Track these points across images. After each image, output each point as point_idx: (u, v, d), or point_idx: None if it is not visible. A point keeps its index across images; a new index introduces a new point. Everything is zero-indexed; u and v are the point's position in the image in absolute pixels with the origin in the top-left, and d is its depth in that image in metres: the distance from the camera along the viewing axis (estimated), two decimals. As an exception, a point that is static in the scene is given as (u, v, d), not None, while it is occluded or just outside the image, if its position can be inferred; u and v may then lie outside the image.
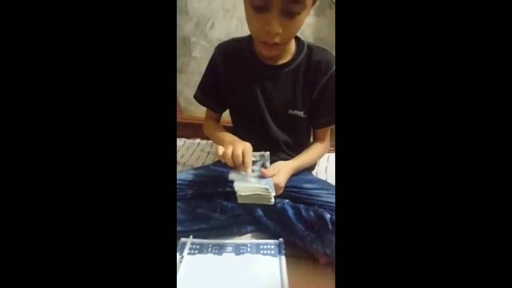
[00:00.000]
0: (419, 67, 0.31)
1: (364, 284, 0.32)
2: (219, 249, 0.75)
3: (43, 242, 0.31)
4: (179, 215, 0.78)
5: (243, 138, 0.75)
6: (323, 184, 0.87)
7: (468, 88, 0.30)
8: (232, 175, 0.68)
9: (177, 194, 0.80)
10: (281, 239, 0.76)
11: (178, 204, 0.79)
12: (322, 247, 0.69)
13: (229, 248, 0.75)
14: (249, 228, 0.81)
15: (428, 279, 0.31)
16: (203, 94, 0.91)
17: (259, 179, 0.69)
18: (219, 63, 0.85)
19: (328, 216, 0.70)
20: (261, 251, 0.74)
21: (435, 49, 0.31)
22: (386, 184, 0.32)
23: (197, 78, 0.87)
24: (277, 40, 0.69)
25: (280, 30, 0.67)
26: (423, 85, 0.31)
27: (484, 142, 0.30)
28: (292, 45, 0.81)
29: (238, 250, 0.75)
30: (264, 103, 0.83)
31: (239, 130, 0.87)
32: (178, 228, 0.76)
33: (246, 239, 0.80)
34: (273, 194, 0.67)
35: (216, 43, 0.87)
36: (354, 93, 0.33)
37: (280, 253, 0.73)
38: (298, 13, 0.66)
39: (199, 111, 1.27)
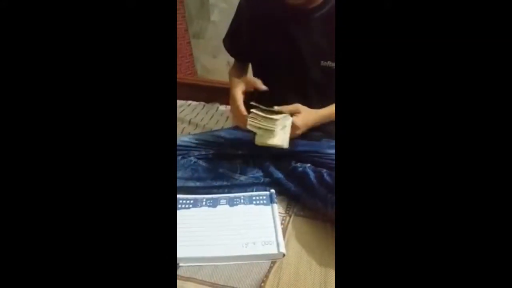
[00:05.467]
0: (419, 67, 0.31)
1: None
2: (213, 202, 0.73)
3: (43, 243, 0.31)
4: (201, 173, 0.78)
5: (265, 94, 0.71)
6: None
7: (469, 91, 0.30)
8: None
9: (199, 153, 0.82)
10: (272, 190, 0.74)
11: (200, 162, 0.81)
12: None
13: (223, 201, 0.73)
14: (268, 189, 0.78)
15: (428, 277, 0.30)
16: (231, 41, 0.88)
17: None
18: (245, 7, 0.81)
19: None
20: (254, 202, 0.72)
21: (436, 50, 0.31)
22: (386, 183, 0.32)
23: (215, 44, 0.80)
24: None
25: None
26: (423, 85, 0.31)
27: (485, 144, 0.30)
28: None
29: (232, 202, 0.73)
30: (292, 53, 0.74)
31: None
32: (200, 184, 0.76)
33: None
34: (282, 134, 0.65)
35: (236, 6, 0.81)
36: (355, 91, 0.32)
37: (272, 201, 0.71)
38: None
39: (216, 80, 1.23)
